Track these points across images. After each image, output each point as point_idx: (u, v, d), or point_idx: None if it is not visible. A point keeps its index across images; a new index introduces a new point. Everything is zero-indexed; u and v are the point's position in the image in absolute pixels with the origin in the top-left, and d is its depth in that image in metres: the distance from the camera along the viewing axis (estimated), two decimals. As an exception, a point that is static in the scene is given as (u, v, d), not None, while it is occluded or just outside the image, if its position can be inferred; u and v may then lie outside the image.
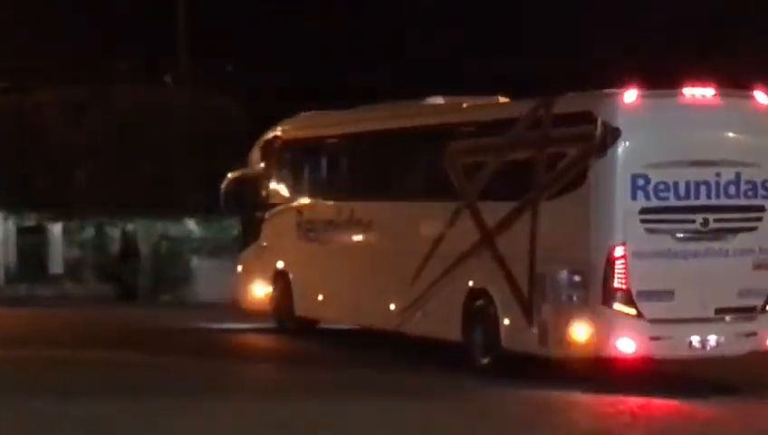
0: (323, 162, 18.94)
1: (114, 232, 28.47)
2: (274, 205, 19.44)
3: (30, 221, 27.66)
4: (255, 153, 20.43)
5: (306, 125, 19.97)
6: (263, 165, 19.87)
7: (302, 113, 20.27)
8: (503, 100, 16.26)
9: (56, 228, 27.60)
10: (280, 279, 18.94)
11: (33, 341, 17.24)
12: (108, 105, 25.86)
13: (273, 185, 19.52)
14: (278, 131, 19.89)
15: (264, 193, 19.72)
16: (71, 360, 15.11)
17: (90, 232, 28.51)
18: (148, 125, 26.32)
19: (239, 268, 20.55)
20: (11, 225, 27.49)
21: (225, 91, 29.65)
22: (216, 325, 20.06)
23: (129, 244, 28.31)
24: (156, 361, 15.47)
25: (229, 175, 20.56)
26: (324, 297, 17.84)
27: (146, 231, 28.11)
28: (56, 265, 28.04)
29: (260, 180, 19.84)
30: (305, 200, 18.71)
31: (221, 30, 32.83)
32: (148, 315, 22.78)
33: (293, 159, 19.47)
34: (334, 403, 11.38)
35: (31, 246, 28.07)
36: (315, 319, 18.86)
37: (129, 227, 28.36)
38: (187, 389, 12.40)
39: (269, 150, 19.86)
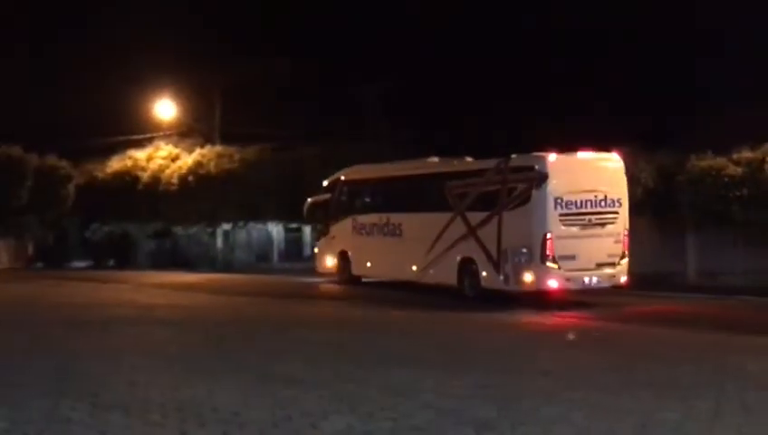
0: (369, 192, 27.52)
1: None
2: (338, 216, 27.63)
3: (293, 225, 36.58)
4: (329, 185, 28.28)
5: (358, 172, 27.88)
6: (330, 194, 27.91)
7: (356, 166, 28.16)
8: (469, 159, 24.67)
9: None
10: (342, 255, 27.22)
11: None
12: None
13: (337, 205, 27.58)
14: (341, 175, 27.95)
15: (331, 209, 27.92)
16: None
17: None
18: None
19: (316, 251, 29.48)
20: (281, 227, 37.64)
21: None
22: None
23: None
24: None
25: (309, 199, 28.66)
26: (371, 264, 26.28)
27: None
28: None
29: (328, 203, 27.99)
30: (358, 213, 27.10)
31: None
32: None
33: (350, 191, 27.69)
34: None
35: (291, 240, 38.87)
36: (363, 276, 26.91)
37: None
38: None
39: (335, 185, 27.92)
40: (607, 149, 21.54)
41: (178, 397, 7.64)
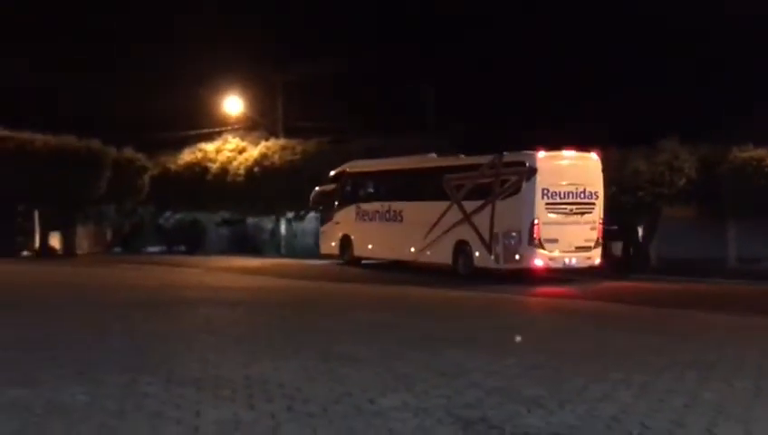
0: (372, 183, 28.80)
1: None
2: (342, 204, 28.88)
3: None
4: (333, 177, 29.76)
5: (361, 165, 29.31)
6: (335, 184, 29.29)
7: (358, 160, 29.83)
8: (462, 156, 25.81)
9: None
10: (345, 239, 28.54)
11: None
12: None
13: (342, 194, 28.96)
14: (346, 168, 29.37)
15: (336, 198, 29.16)
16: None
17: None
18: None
19: (321, 234, 30.89)
20: None
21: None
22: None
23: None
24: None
25: (316, 188, 29.96)
26: (372, 246, 27.58)
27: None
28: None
29: (334, 192, 29.26)
30: (362, 201, 28.32)
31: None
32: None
33: (354, 182, 28.94)
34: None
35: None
36: (363, 258, 28.14)
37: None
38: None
39: (340, 177, 29.32)
40: (587, 149, 23.41)
41: (246, 373, 7.70)
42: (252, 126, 40.56)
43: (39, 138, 30.14)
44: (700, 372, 8.36)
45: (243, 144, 38.79)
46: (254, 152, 37.63)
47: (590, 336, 11.45)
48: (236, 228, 37.62)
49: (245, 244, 37.40)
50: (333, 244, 28.97)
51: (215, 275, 23.45)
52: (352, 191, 28.58)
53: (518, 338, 7.54)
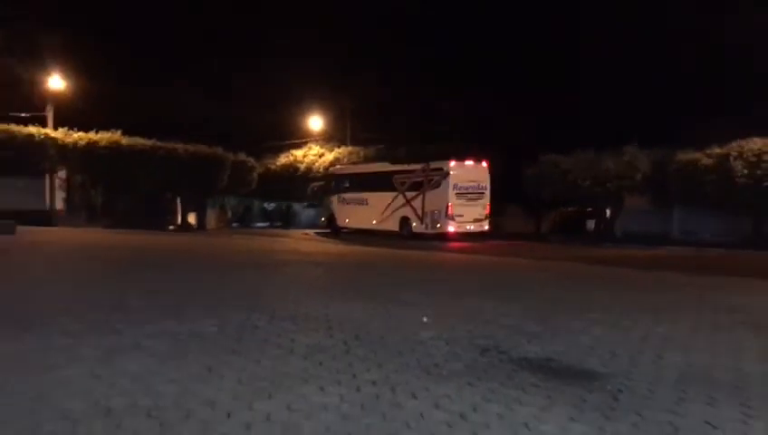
0: (349, 180, 30.22)
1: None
2: (329, 194, 30.91)
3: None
4: (324, 176, 33.07)
5: (343, 168, 32.29)
6: (325, 181, 32.00)
7: (338, 165, 33.57)
8: (407, 165, 27.19)
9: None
10: (332, 216, 30.60)
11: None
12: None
13: (329, 187, 31.12)
14: (334, 169, 32.69)
15: (326, 190, 31.31)
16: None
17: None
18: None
19: (317, 214, 33.49)
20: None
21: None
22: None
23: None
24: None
25: (312, 184, 33.59)
26: (349, 220, 29.73)
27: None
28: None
29: (325, 187, 31.63)
30: (344, 192, 30.06)
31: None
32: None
33: (339, 180, 30.79)
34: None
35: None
36: (344, 227, 29.96)
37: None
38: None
39: (329, 176, 32.12)
40: (479, 158, 26.08)
41: (326, 312, 7.75)
42: (328, 137, 40.87)
43: (181, 146, 30.56)
44: (653, 314, 8.21)
45: (322, 151, 39.08)
46: (329, 156, 37.87)
47: (570, 289, 11.30)
48: (317, 210, 38.29)
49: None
50: (323, 220, 31.58)
51: (303, 243, 23.61)
52: (336, 185, 30.67)
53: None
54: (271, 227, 38.00)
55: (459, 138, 33.04)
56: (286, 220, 39.76)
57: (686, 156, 24.67)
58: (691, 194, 24.47)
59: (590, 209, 30.56)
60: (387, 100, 37.72)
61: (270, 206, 41.62)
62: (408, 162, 27.34)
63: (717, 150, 23.85)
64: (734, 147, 23.37)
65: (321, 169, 36.56)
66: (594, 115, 31.65)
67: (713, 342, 6.68)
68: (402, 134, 35.07)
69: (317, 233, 30.29)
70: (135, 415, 4.05)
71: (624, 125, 28.60)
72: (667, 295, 10.38)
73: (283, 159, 39.47)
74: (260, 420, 4.03)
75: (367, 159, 34.59)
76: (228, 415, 4.11)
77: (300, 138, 41.16)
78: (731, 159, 23.21)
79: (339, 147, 38.80)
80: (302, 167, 38.23)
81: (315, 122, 41.46)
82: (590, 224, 30.28)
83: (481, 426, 4.05)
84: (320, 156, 38.59)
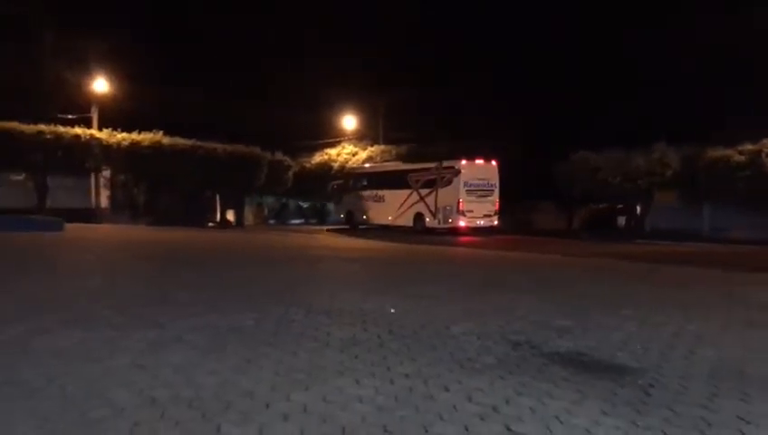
0: (366, 179, 31.24)
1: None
2: (348, 191, 31.98)
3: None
4: (342, 175, 34.01)
5: (359, 168, 33.62)
6: (344, 180, 33.00)
7: (355, 165, 34.92)
8: (428, 163, 27.86)
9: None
10: (350, 212, 31.74)
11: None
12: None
13: (347, 185, 32.20)
14: (352, 168, 34.03)
15: (345, 189, 32.30)
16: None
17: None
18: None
19: (334, 210, 34.50)
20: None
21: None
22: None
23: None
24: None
25: (332, 182, 34.06)
26: (366, 216, 30.56)
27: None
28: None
29: (343, 185, 32.61)
30: (361, 190, 30.97)
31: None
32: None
33: (357, 178, 31.89)
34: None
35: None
36: (361, 223, 30.90)
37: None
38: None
39: (348, 175, 33.30)
40: (490, 158, 26.83)
41: (361, 306, 7.76)
42: (361, 136, 40.92)
43: (219, 146, 30.94)
44: (684, 310, 8.05)
45: (355, 149, 39.18)
46: (362, 155, 37.92)
47: (601, 283, 11.15)
48: (335, 207, 38.71)
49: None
50: (342, 216, 32.63)
51: (337, 239, 23.69)
52: (354, 184, 31.81)
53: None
54: (306, 223, 38.23)
55: (489, 135, 32.85)
56: (321, 217, 39.97)
57: (716, 153, 24.21)
58: (722, 191, 23.99)
59: (620, 206, 30.12)
60: (417, 98, 37.68)
61: (305, 203, 41.88)
62: (423, 161, 28.64)
63: (749, 147, 23.38)
64: (766, 143, 22.87)
65: (345, 168, 36.78)
66: (622, 113, 31.20)
67: (745, 338, 6.53)
68: (432, 132, 35.02)
69: (328, 229, 30.87)
70: (177, 405, 4.10)
71: (652, 123, 28.18)
72: (699, 292, 10.17)
73: (317, 158, 39.66)
74: (297, 411, 4.05)
75: (398, 157, 34.64)
76: (267, 406, 4.14)
77: (334, 137, 41.33)
78: (763, 155, 22.71)
79: (371, 145, 38.85)
80: (336, 165, 38.37)
81: (349, 122, 41.57)
82: (621, 220, 29.84)
83: (513, 419, 4.01)
84: (353, 154, 38.70)
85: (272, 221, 39.39)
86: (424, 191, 27.39)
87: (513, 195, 28.82)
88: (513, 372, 5.03)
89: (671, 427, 3.96)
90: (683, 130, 26.26)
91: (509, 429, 3.86)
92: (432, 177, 27.11)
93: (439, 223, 26.74)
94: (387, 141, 38.57)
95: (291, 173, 35.06)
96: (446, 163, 26.64)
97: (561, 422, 3.98)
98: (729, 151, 23.97)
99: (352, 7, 41.60)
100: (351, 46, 39.35)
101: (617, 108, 32.00)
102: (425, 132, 35.25)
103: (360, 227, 30.75)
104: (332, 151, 39.75)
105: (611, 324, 7.01)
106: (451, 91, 37.90)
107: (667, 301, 8.88)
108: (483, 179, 26.36)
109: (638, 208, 28.67)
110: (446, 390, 4.53)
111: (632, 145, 26.43)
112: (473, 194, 26.18)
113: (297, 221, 40.05)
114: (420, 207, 27.53)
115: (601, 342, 6.16)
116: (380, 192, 29.88)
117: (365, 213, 30.73)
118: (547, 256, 17.01)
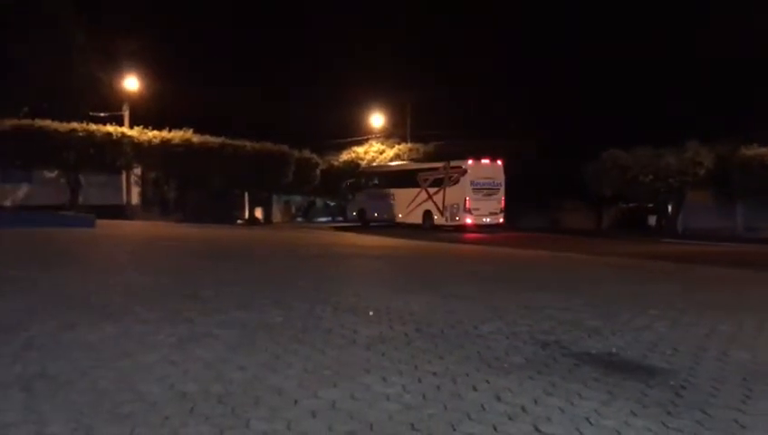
0: (377, 177, 32.23)
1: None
2: (360, 190, 32.80)
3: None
4: (355, 174, 34.33)
5: (371, 167, 34.61)
6: (356, 179, 33.65)
7: (367, 164, 35.85)
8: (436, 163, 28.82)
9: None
10: (362, 210, 32.35)
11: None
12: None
13: (359, 184, 32.98)
14: (364, 168, 34.89)
15: (358, 187, 33.09)
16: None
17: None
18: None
19: (347, 207, 34.66)
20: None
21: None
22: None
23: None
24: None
25: (347, 181, 34.40)
26: (377, 214, 31.17)
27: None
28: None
29: (356, 183, 33.30)
30: (371, 188, 31.86)
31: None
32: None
33: (368, 177, 32.81)
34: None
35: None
36: (372, 220, 31.53)
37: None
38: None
39: (359, 173, 34.04)
40: (496, 157, 27.38)
41: (387, 305, 7.76)
42: (389, 134, 40.91)
43: (248, 144, 31.12)
44: (716, 311, 7.92)
45: (383, 147, 39.18)
46: (390, 153, 37.91)
47: (630, 283, 11.01)
48: (347, 205, 38.72)
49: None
50: (354, 213, 33.19)
51: (362, 237, 23.73)
52: (366, 182, 32.66)
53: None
54: (332, 221, 38.36)
55: (517, 134, 32.64)
56: (346, 215, 40.12)
57: (750, 151, 23.77)
58: (756, 190, 23.56)
59: (651, 205, 29.72)
60: (447, 97, 37.55)
61: (332, 201, 42.02)
62: (433, 161, 29.70)
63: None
64: (801, 142, 22.40)
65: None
66: (651, 112, 30.75)
67: (779, 340, 6.40)
68: (460, 131, 34.88)
69: (335, 227, 31.07)
70: (207, 400, 4.15)
71: (685, 121, 27.72)
72: (731, 292, 10.00)
73: (345, 156, 39.74)
74: (325, 408, 4.07)
75: (426, 155, 34.66)
76: (295, 402, 4.16)
77: (361, 135, 41.38)
78: (798, 154, 22.24)
79: (399, 143, 38.82)
80: (363, 163, 38.43)
81: (377, 119, 41.59)
82: (652, 220, 29.45)
83: (542, 419, 3.99)
84: (380, 152, 38.71)
85: (299, 219, 39.60)
86: (432, 190, 28.15)
87: (542, 194, 28.60)
88: (542, 371, 4.99)
89: (703, 429, 3.90)
90: (713, 129, 25.81)
91: (537, 429, 3.83)
92: (440, 176, 27.87)
93: (447, 220, 27.43)
94: (414, 139, 38.52)
95: (318, 171, 35.17)
96: (453, 163, 27.43)
97: (591, 423, 3.94)
98: (763, 150, 23.53)
99: (382, 7, 41.58)
100: (380, 45, 39.37)
101: (647, 107, 31.56)
102: (453, 131, 35.13)
103: (371, 224, 31.37)
104: (360, 149, 39.80)
105: (641, 325, 6.92)
106: (480, 91, 37.71)
107: (698, 301, 8.75)
108: (489, 178, 27.04)
109: (670, 208, 28.24)
110: (475, 389, 4.51)
111: (661, 144, 26.05)
112: (479, 192, 26.90)
113: (324, 219, 40.21)
114: (429, 205, 28.32)
115: (631, 342, 6.08)
116: (391, 190, 30.61)
117: (376, 210, 31.45)
118: (576, 256, 16.81)
